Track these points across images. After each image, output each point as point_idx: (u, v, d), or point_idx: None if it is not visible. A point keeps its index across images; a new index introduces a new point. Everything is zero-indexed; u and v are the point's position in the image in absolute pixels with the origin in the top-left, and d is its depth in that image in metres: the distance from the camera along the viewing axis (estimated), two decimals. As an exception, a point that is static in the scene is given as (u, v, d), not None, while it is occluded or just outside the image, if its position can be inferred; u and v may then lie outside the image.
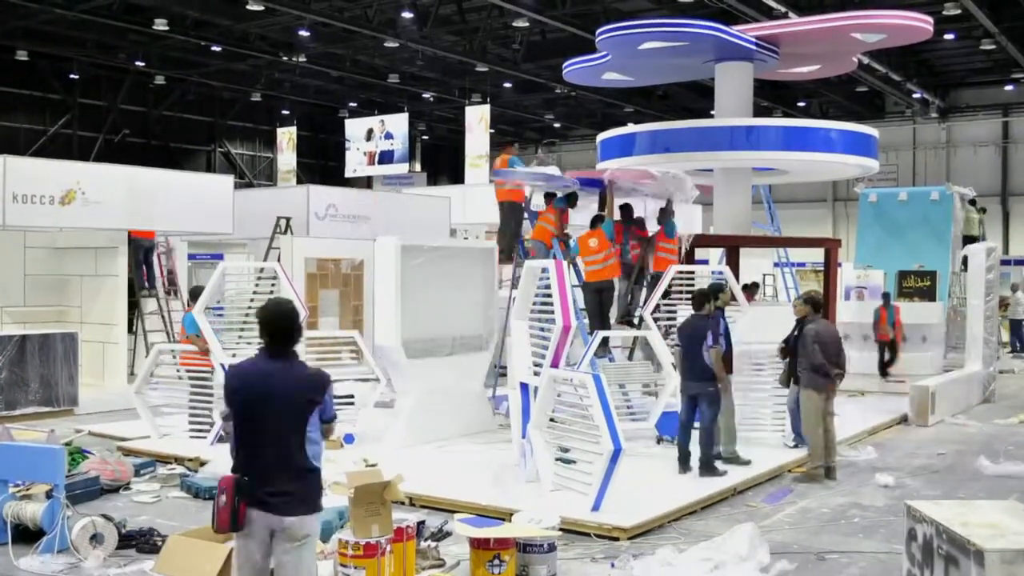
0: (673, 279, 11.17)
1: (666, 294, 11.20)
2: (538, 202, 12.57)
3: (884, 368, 17.11)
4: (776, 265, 20.45)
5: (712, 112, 15.28)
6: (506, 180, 12.38)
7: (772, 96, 31.69)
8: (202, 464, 9.46)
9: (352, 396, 11.04)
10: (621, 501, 7.63)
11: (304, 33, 27.07)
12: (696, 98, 31.35)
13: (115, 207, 14.60)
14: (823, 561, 6.84)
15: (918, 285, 19.37)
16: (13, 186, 13.53)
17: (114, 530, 6.90)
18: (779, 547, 7.15)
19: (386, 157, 33.87)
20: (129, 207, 14.78)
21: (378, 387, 11.05)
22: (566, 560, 6.68)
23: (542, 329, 8.91)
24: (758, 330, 11.03)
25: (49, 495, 7.03)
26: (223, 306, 10.96)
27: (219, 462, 9.05)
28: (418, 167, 40.93)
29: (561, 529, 7.06)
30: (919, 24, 13.83)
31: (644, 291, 12.03)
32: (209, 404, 10.64)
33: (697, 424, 9.23)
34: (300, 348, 10.28)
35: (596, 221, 11.86)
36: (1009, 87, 33.63)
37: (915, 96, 32.84)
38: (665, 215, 12.27)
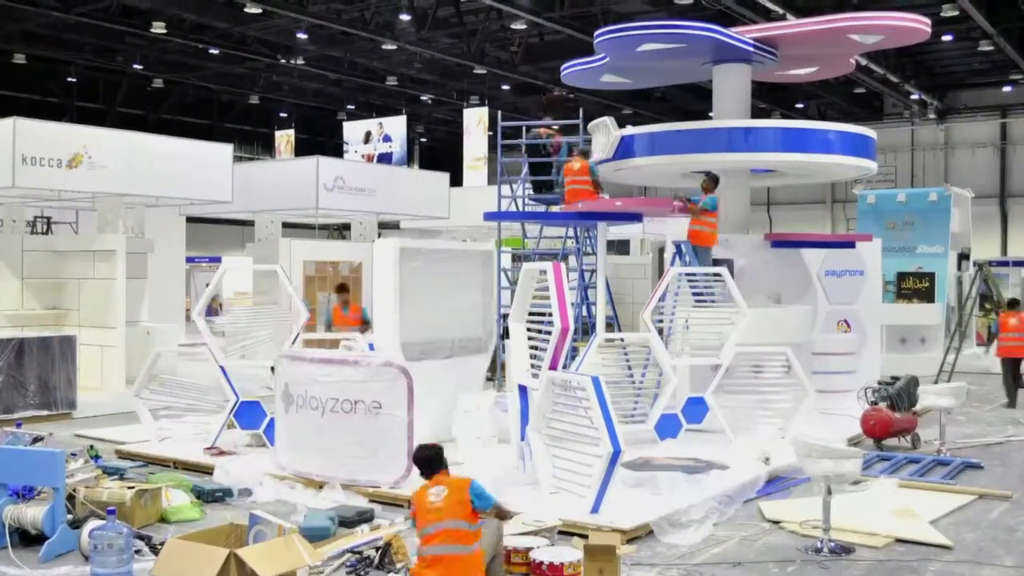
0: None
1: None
2: None
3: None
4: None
5: (710, 114, 15.28)
6: None
7: (770, 98, 31.72)
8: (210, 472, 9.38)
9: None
10: (620, 503, 7.64)
11: (302, 36, 27.06)
12: (694, 100, 31.36)
13: (119, 172, 14.69)
14: (825, 569, 6.82)
15: (917, 286, 19.40)
16: (22, 148, 13.57)
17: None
18: (780, 551, 7.15)
19: (384, 159, 33.86)
20: (132, 173, 14.87)
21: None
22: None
23: (540, 331, 8.90)
24: (758, 334, 11.06)
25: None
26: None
27: (228, 469, 9.08)
28: (416, 169, 41.00)
29: (560, 531, 7.08)
30: (917, 25, 13.83)
31: None
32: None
33: None
34: (300, 347, 10.31)
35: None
36: (1007, 88, 33.65)
37: (913, 97, 32.87)
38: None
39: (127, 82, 33.29)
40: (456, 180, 25.14)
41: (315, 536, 6.84)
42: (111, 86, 33.61)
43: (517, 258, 16.27)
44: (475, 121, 32.72)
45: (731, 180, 14.00)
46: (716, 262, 12.01)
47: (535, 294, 9.17)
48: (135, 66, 30.44)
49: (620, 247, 24.11)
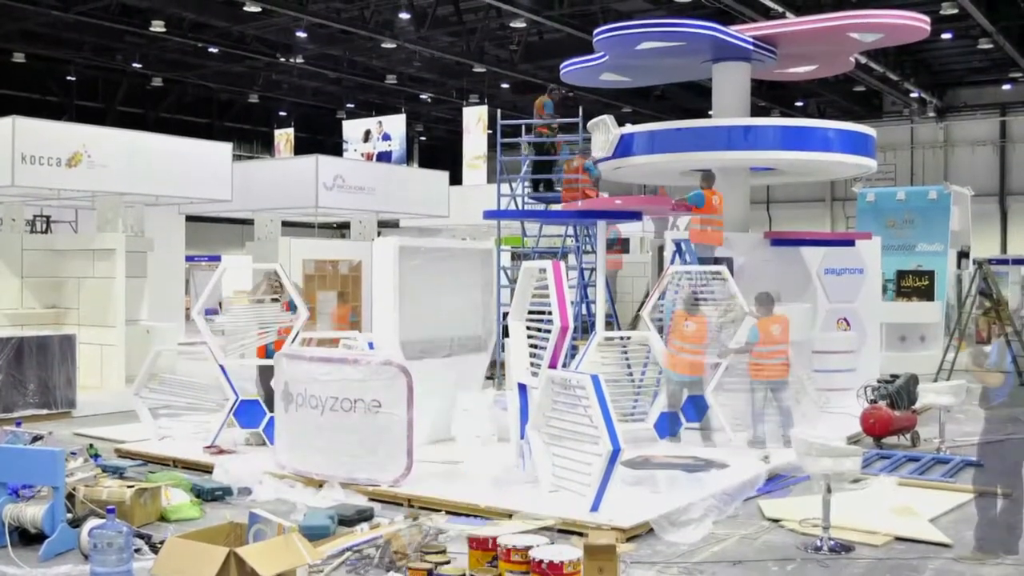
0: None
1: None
2: None
3: None
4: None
5: (710, 112, 15.29)
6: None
7: (769, 96, 31.72)
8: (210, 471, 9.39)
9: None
10: (619, 502, 7.64)
11: (301, 34, 27.06)
12: (693, 98, 31.36)
13: (119, 171, 14.66)
14: (825, 568, 6.82)
15: (916, 284, 19.39)
16: (21, 147, 13.56)
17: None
18: (780, 549, 7.15)
19: (384, 158, 33.85)
20: (132, 171, 14.84)
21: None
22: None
23: (540, 330, 8.90)
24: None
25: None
26: (217, 309, 10.92)
27: (227, 468, 9.08)
28: (416, 168, 41.00)
29: (560, 530, 7.08)
30: (916, 24, 13.84)
31: None
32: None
33: None
34: (298, 344, 10.31)
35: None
36: (1007, 86, 33.65)
37: (913, 95, 32.86)
38: None
39: (126, 81, 33.28)
40: (455, 179, 25.14)
41: (315, 535, 6.84)
42: (110, 85, 33.60)
43: (517, 256, 16.28)
44: (474, 119, 32.72)
45: (730, 178, 14.00)
46: (716, 260, 12.01)
47: (535, 292, 9.18)
48: (134, 65, 30.43)
49: (620, 245, 24.10)
